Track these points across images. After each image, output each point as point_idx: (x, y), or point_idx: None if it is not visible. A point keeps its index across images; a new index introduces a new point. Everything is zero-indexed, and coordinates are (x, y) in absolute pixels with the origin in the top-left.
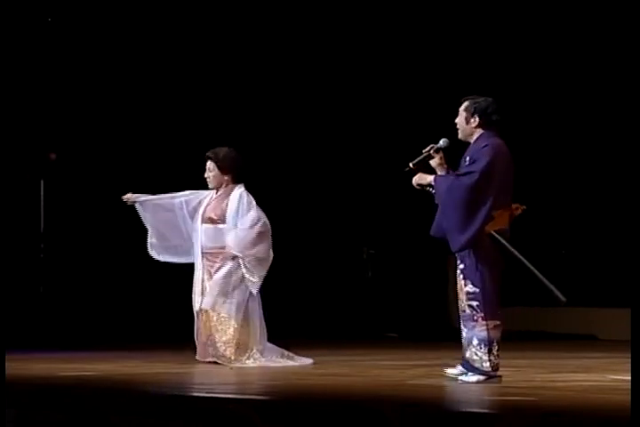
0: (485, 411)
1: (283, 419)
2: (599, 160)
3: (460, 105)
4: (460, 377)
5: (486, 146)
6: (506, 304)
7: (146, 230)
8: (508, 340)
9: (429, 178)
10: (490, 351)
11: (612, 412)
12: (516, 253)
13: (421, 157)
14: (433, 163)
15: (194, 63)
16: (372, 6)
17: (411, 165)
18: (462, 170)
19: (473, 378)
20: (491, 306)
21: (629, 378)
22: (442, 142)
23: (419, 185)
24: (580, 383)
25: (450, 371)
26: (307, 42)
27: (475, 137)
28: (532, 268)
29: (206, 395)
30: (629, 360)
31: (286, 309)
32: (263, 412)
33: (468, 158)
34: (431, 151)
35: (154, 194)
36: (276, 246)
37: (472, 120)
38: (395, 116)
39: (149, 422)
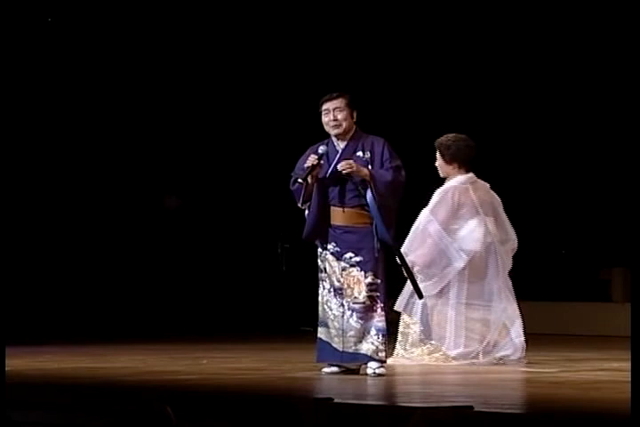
0: (405, 404)
1: (197, 415)
2: (599, 160)
3: (328, 102)
4: (375, 370)
5: (385, 142)
6: None
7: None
8: None
9: (365, 171)
10: (385, 342)
11: (539, 403)
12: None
13: (308, 170)
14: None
15: (165, 66)
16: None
17: (300, 180)
18: (390, 162)
19: (382, 369)
20: (386, 298)
21: (554, 370)
22: (322, 149)
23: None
24: (505, 376)
25: (327, 370)
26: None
27: (352, 132)
28: (405, 265)
29: (124, 389)
30: (557, 353)
31: (202, 304)
32: (177, 407)
33: (369, 151)
34: (319, 162)
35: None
36: (191, 242)
37: (354, 115)
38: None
39: (61, 415)
